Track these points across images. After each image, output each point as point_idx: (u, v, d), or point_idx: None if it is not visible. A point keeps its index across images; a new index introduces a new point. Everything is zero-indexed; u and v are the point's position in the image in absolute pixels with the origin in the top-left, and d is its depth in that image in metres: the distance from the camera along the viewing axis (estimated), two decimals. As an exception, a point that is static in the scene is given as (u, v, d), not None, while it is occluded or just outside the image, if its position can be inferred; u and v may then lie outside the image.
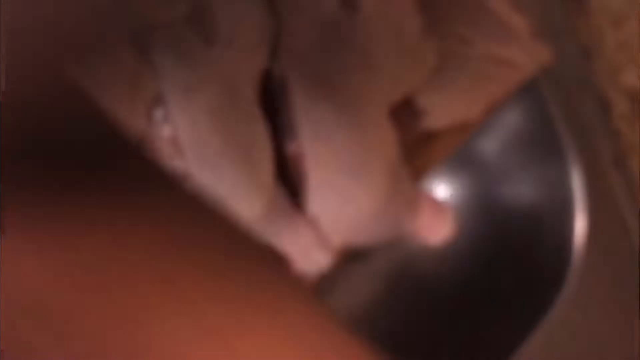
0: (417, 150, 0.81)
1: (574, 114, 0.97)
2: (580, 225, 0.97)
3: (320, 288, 0.77)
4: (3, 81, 0.33)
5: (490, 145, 0.99)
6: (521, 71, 0.77)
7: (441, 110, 0.78)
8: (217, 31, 0.64)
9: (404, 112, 0.78)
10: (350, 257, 0.79)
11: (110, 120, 0.41)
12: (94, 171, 0.37)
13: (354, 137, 0.69)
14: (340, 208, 0.71)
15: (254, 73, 0.68)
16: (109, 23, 0.57)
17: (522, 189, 0.99)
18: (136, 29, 0.61)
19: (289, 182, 0.72)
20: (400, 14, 0.72)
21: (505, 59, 0.76)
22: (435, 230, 0.78)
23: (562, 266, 0.98)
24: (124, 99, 0.60)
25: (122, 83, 0.60)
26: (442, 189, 0.99)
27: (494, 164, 0.99)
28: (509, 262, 0.99)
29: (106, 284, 0.35)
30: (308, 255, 0.71)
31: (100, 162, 0.38)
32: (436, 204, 0.79)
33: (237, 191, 0.65)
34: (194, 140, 0.63)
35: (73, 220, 0.35)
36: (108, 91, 0.59)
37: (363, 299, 0.97)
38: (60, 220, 0.35)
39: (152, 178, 0.40)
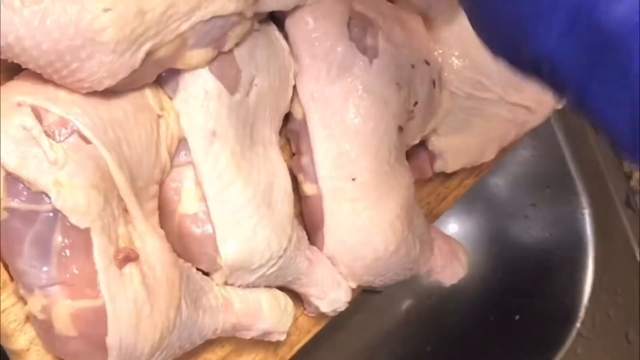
0: (433, 191, 0.83)
1: (585, 154, 0.98)
2: (590, 264, 0.98)
3: (335, 322, 0.78)
4: None
5: (502, 184, 1.00)
6: (535, 115, 0.79)
7: (456, 153, 0.79)
8: (240, 77, 0.65)
9: (421, 155, 0.79)
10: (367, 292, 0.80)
11: None
12: None
13: (371, 179, 0.70)
14: (356, 249, 0.72)
15: (275, 116, 0.70)
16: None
17: (533, 228, 1.00)
18: (162, 75, 0.63)
19: (308, 222, 0.73)
20: (418, 59, 0.73)
21: (519, 103, 0.77)
22: (450, 271, 0.79)
23: (573, 303, 0.98)
24: (150, 143, 0.61)
25: (147, 129, 0.61)
26: (454, 227, 1.00)
27: (506, 202, 1.00)
28: (521, 299, 1.00)
29: None
30: (325, 295, 0.72)
31: None
32: (451, 244, 0.80)
33: (257, 232, 0.66)
34: (216, 183, 0.64)
35: None
36: (135, 135, 0.60)
37: (377, 334, 0.98)
38: None
39: None
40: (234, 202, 0.65)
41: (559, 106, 0.80)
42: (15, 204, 0.57)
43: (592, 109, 0.42)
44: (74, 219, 0.57)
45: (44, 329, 0.59)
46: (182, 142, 0.64)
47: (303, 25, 0.69)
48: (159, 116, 0.63)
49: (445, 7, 0.76)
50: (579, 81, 0.42)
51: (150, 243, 0.61)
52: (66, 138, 0.57)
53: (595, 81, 0.41)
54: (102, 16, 0.55)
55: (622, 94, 0.40)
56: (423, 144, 0.79)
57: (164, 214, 0.65)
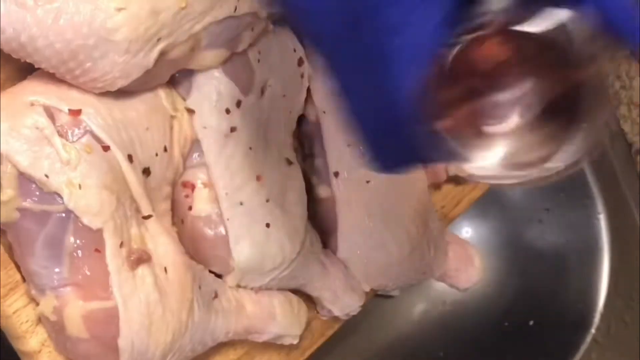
0: (447, 195, 0.82)
1: (601, 158, 0.97)
2: (606, 269, 0.97)
3: (348, 325, 0.77)
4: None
5: (517, 189, 0.99)
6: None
7: (471, 155, 0.78)
8: (253, 79, 0.65)
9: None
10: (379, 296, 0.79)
11: None
12: None
13: (386, 182, 0.70)
14: (369, 252, 0.71)
15: (289, 118, 0.69)
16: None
17: (548, 232, 0.99)
18: (176, 75, 0.62)
19: (321, 225, 0.72)
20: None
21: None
22: (465, 276, 0.79)
23: (588, 309, 0.97)
24: (163, 144, 0.61)
25: (160, 130, 0.61)
26: (468, 231, 0.99)
27: (521, 207, 0.99)
28: (535, 304, 0.99)
29: None
30: (338, 299, 0.72)
31: None
32: (465, 249, 0.80)
33: (271, 234, 0.65)
34: (229, 185, 0.64)
35: None
36: (148, 136, 0.60)
37: (390, 338, 0.97)
38: None
39: None
40: (247, 203, 0.64)
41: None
42: (27, 204, 0.56)
43: None
44: (86, 220, 0.56)
45: (56, 330, 0.58)
46: (196, 143, 0.64)
47: (317, 26, 0.69)
48: (172, 117, 0.63)
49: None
50: None
51: (163, 244, 0.61)
52: (79, 138, 0.57)
53: None
54: (116, 15, 0.55)
55: None
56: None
57: (177, 216, 0.65)
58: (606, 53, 0.40)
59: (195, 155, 0.64)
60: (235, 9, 0.61)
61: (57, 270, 0.57)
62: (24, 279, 0.59)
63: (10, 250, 0.58)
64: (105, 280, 0.57)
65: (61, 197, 0.56)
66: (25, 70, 0.59)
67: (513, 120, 0.40)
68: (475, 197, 0.83)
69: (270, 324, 0.68)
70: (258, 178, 0.65)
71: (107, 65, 0.56)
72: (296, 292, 0.71)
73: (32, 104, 0.56)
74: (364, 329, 0.94)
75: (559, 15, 0.39)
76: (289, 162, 0.68)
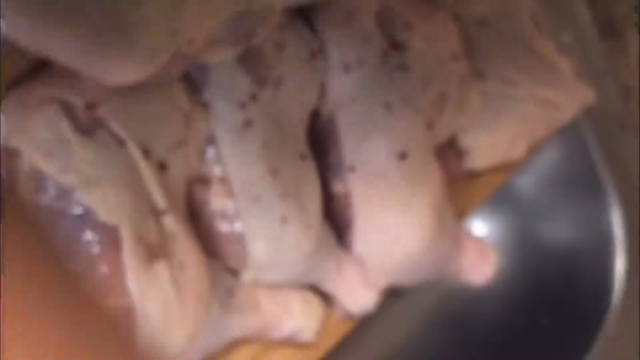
0: (461, 190, 0.81)
1: (614, 153, 0.96)
2: (620, 266, 0.97)
3: (360, 323, 0.77)
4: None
5: (530, 183, 0.98)
6: (565, 112, 0.77)
7: (484, 150, 0.78)
8: (268, 72, 0.64)
9: (449, 152, 0.78)
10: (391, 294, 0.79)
11: None
12: None
13: (402, 176, 0.69)
14: (386, 248, 0.71)
15: (303, 112, 0.69)
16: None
17: (561, 229, 0.98)
18: (190, 69, 0.62)
19: (336, 221, 0.72)
20: (447, 55, 0.72)
21: (549, 100, 0.76)
22: (479, 270, 0.78)
23: (601, 307, 0.97)
24: (177, 139, 0.61)
25: (175, 124, 0.61)
26: (481, 227, 0.99)
27: (534, 202, 0.99)
28: (547, 301, 0.98)
29: None
30: (353, 295, 0.71)
31: None
32: (480, 244, 0.79)
33: (287, 230, 0.65)
34: (245, 180, 0.63)
35: None
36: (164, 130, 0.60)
37: (401, 335, 0.97)
38: None
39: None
40: (262, 198, 0.64)
41: (589, 103, 0.79)
42: (43, 201, 0.56)
43: None
44: (103, 216, 0.56)
45: (72, 328, 0.58)
46: (211, 137, 0.63)
47: (332, 20, 0.68)
48: (187, 111, 0.62)
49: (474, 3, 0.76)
50: None
51: (180, 241, 0.60)
52: (95, 133, 0.56)
53: None
54: (131, 8, 0.54)
55: None
56: (450, 142, 0.77)
57: (193, 212, 0.64)
58: None
59: (210, 149, 0.64)
60: (251, 2, 0.60)
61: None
62: (39, 277, 0.59)
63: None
64: (122, 277, 0.56)
65: (77, 194, 0.55)
66: (40, 65, 0.58)
67: None
68: (489, 193, 0.83)
69: (286, 321, 0.67)
70: (274, 172, 0.64)
71: (122, 60, 0.56)
72: (311, 289, 0.70)
73: (48, 99, 0.56)
74: (378, 328, 0.93)
75: None
76: (304, 157, 0.68)
